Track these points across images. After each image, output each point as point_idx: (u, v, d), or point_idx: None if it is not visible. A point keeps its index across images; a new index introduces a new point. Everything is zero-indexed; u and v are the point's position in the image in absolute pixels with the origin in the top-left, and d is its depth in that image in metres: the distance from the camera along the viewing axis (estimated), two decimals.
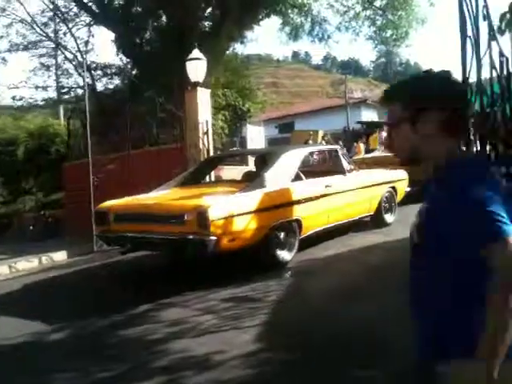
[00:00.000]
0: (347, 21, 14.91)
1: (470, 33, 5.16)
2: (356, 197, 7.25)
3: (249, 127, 17.33)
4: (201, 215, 5.23)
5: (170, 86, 10.83)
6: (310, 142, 20.85)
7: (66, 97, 17.27)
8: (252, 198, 5.71)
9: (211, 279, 5.63)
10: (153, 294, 5.21)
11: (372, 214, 7.81)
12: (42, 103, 17.32)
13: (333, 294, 4.86)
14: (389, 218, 8.06)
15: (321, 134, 27.38)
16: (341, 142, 24.92)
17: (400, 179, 8.43)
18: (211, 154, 8.96)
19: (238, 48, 17.25)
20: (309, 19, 15.15)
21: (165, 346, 3.92)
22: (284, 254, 5.97)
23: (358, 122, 27.73)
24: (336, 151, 7.76)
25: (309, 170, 7.91)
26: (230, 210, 5.42)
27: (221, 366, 3.49)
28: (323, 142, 22.65)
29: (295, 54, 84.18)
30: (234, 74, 14.48)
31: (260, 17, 13.31)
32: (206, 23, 12.86)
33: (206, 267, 6.17)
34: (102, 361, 3.76)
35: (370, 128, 27.07)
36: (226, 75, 13.88)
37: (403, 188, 8.54)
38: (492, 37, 5.63)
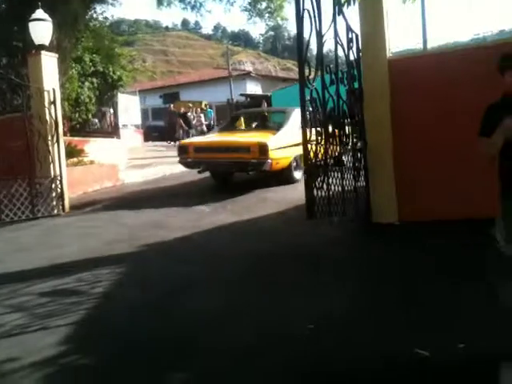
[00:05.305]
0: None
1: (308, 5, 4.98)
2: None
3: (121, 96, 16.37)
4: (263, 146, 8.77)
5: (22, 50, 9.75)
6: (189, 114, 20.27)
7: None
8: (286, 138, 9.10)
9: (35, 266, 5.12)
10: None
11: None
12: None
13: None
14: (297, 174, 9.76)
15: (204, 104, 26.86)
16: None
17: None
18: (60, 125, 8.18)
19: (110, 11, 15.98)
20: None
21: None
22: (298, 175, 9.29)
23: (242, 95, 27.52)
24: None
25: None
26: (277, 144, 8.93)
27: (3, 379, 3.00)
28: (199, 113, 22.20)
29: (185, 22, 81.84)
30: (99, 38, 13.35)
31: None
32: None
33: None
34: None
35: (254, 100, 26.97)
36: (89, 39, 12.73)
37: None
38: (338, 10, 5.50)
